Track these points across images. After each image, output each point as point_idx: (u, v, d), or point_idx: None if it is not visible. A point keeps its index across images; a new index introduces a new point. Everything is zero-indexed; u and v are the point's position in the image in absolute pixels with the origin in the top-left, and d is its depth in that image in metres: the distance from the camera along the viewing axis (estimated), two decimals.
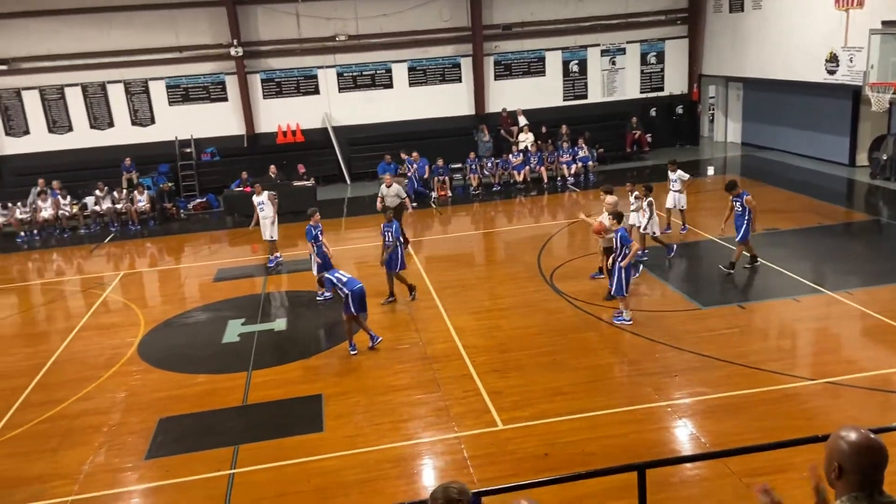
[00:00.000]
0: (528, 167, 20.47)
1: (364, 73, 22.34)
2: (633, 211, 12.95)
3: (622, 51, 23.66)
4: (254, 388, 9.21)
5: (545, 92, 23.31)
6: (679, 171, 14.09)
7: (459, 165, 20.76)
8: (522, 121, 22.13)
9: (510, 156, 20.67)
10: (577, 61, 23.49)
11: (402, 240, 11.84)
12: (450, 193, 19.82)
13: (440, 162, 19.99)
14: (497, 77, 23.11)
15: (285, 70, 21.90)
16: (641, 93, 24.07)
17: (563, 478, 5.46)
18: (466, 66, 22.77)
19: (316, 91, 22.17)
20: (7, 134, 20.54)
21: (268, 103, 21.98)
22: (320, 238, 11.99)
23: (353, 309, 9.69)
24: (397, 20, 21.88)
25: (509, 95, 22.90)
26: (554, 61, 23.33)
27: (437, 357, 9.69)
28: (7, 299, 14.04)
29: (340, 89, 22.30)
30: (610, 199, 11.42)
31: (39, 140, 20.70)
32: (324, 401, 8.65)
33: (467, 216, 18.60)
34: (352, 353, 9.90)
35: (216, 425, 8.36)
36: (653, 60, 23.96)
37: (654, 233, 12.98)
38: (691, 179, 14.59)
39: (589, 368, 9.08)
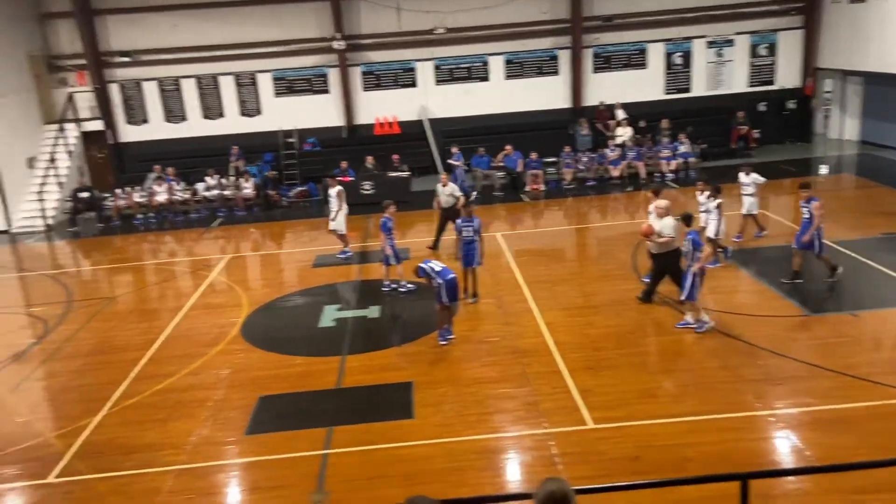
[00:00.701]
0: (624, 162, 19.99)
1: (461, 65, 22.43)
2: (702, 212, 12.40)
3: (730, 42, 22.65)
4: (347, 373, 9.50)
5: (645, 85, 22.65)
6: (754, 175, 13.33)
7: (553, 159, 20.54)
8: (620, 114, 21.63)
9: (607, 150, 20.26)
10: (680, 53, 22.68)
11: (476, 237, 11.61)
12: (542, 187, 19.64)
13: (534, 155, 19.83)
14: (596, 70, 22.66)
15: (384, 63, 22.29)
16: (749, 86, 22.96)
17: (661, 482, 5.34)
18: (564, 58, 22.45)
19: (413, 84, 22.46)
20: (128, 122, 21.94)
21: (367, 95, 22.46)
22: (393, 231, 12.16)
23: (445, 299, 9.80)
24: (496, 13, 21.81)
25: (608, 88, 22.41)
26: (656, 53, 22.63)
27: (526, 352, 9.66)
28: (124, 277, 15.07)
29: (437, 82, 22.50)
30: (661, 202, 10.90)
31: (156, 128, 22.00)
32: (414, 389, 8.81)
33: (560, 211, 18.38)
34: (441, 342, 10.02)
35: (312, 406, 8.68)
36: (763, 52, 22.80)
37: (716, 235, 12.28)
38: (766, 182, 13.68)
39: (685, 371, 8.82)
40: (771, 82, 22.99)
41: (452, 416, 8.07)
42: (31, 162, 20.35)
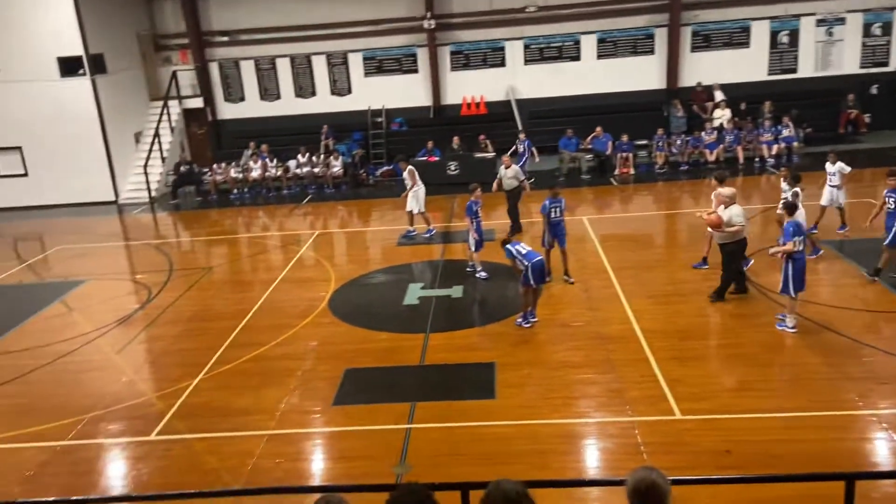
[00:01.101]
0: (722, 146, 19.18)
1: (551, 44, 22.03)
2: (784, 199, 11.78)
3: (841, 20, 21.23)
4: (431, 350, 9.60)
5: (747, 65, 21.57)
6: (840, 163, 12.45)
7: (645, 142, 19.95)
8: (719, 96, 20.73)
9: (703, 133, 19.49)
10: (787, 32, 21.45)
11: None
12: (632, 171, 19.13)
13: (624, 138, 19.32)
14: (694, 49, 21.76)
15: (473, 42, 22.16)
16: (861, 68, 21.49)
17: (758, 478, 5.13)
18: (661, 37, 21.66)
19: (502, 63, 22.25)
20: (226, 100, 22.79)
21: (455, 75, 22.43)
22: (479, 214, 12.04)
23: (532, 281, 9.73)
24: None
25: (706, 68, 21.49)
26: (760, 32, 21.49)
27: (612, 338, 9.48)
28: (220, 249, 15.74)
29: (526, 62, 22.19)
30: (726, 190, 10.41)
31: (252, 106, 22.75)
32: (496, 369, 8.81)
33: (650, 195, 17.87)
34: (525, 325, 9.97)
35: (396, 381, 8.83)
36: (877, 32, 21.27)
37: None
38: (852, 172, 12.78)
39: (781, 366, 8.44)
40: (885, 63, 21.44)
41: (536, 399, 8.03)
42: (137, 137, 21.48)
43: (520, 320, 10.04)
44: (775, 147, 18.87)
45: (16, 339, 10.92)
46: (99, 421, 8.28)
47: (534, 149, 18.06)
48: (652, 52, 21.85)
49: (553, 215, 11.43)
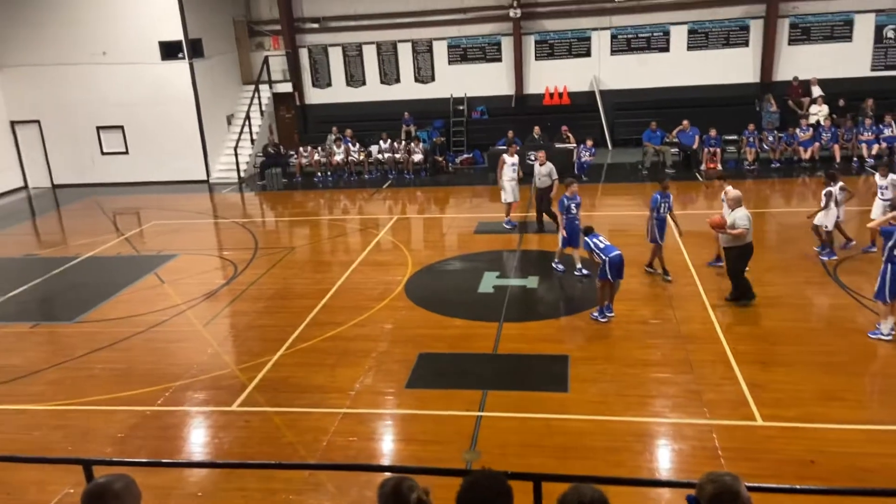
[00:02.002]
0: (817, 143, 18.27)
1: (640, 35, 21.48)
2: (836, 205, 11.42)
3: None
4: (504, 339, 9.60)
5: (849, 60, 20.43)
6: (892, 176, 11.47)
7: (734, 137, 19.24)
8: (816, 91, 19.73)
9: (797, 130, 18.61)
10: (893, 26, 20.17)
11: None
12: (720, 167, 18.47)
13: (713, 132, 18.67)
14: (791, 42, 20.77)
15: (559, 32, 21.86)
16: None
17: (843, 490, 4.90)
18: (756, 28, 20.77)
19: (587, 53, 21.86)
20: (314, 85, 23.35)
21: (538, 65, 22.20)
22: (573, 210, 11.57)
23: (609, 275, 9.58)
24: None
25: (803, 62, 20.49)
26: (864, 25, 20.29)
27: (691, 337, 9.24)
28: (303, 230, 16.19)
29: (612, 52, 21.73)
30: (733, 191, 10.31)
31: (338, 92, 23.22)
32: (570, 362, 8.74)
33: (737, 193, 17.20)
34: (601, 319, 9.83)
35: (468, 368, 8.89)
36: None
37: (827, 227, 11.50)
38: None
39: (874, 376, 8.02)
40: None
41: (610, 395, 7.92)
42: (229, 119, 22.30)
43: (596, 314, 9.91)
44: (875, 147, 17.82)
45: (113, 308, 11.59)
46: (185, 389, 8.71)
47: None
48: (746, 44, 20.99)
49: (661, 210, 11.19)
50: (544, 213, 14.12)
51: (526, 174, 15.54)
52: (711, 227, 10.36)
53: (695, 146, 18.86)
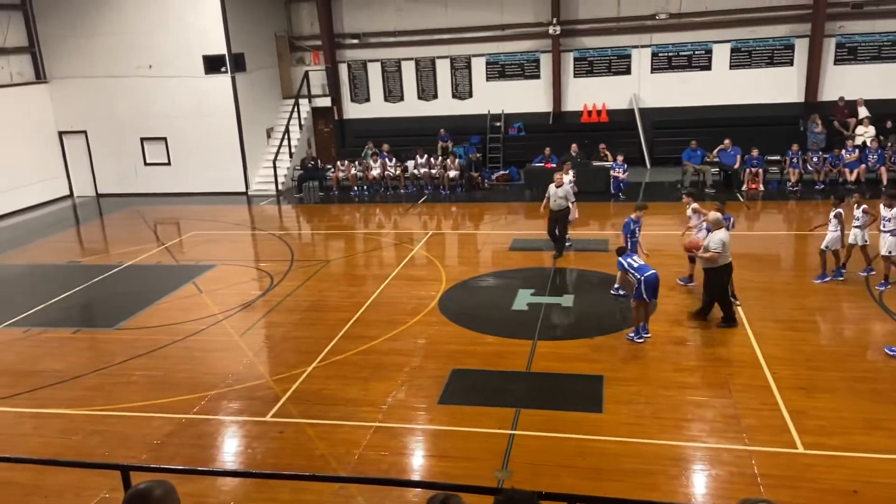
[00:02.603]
0: (863, 165, 17.84)
1: (681, 53, 21.30)
2: (856, 227, 11.26)
3: None
4: (537, 357, 9.51)
5: None
6: None
7: (777, 158, 18.88)
8: (863, 112, 19.30)
9: (843, 151, 18.20)
10: None
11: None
12: (762, 188, 18.15)
13: (754, 152, 18.36)
14: (837, 61, 20.38)
15: (598, 49, 21.81)
16: None
17: None
18: (801, 47, 20.44)
19: (627, 71, 21.75)
20: (352, 100, 23.63)
21: (577, 82, 22.15)
22: (637, 234, 11.51)
23: (644, 295, 9.45)
24: None
25: (849, 83, 20.08)
26: None
27: (730, 361, 9.04)
28: (338, 243, 16.32)
29: (653, 70, 21.59)
30: (712, 214, 10.34)
31: (376, 107, 23.46)
32: (604, 383, 8.62)
33: (779, 214, 16.90)
34: (637, 340, 9.68)
35: (501, 385, 8.82)
36: None
37: (827, 247, 11.42)
38: None
39: None
40: None
41: (645, 417, 7.78)
42: (268, 132, 22.68)
43: (631, 335, 9.76)
44: None
45: (152, 316, 11.80)
46: (221, 398, 8.80)
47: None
48: (791, 63, 20.67)
49: (636, 234, 11.20)
50: (556, 234, 13.56)
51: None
52: (686, 250, 10.71)
53: (736, 166, 18.57)
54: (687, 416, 7.82)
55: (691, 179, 18.74)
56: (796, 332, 9.78)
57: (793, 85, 20.73)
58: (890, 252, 10.99)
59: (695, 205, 11.85)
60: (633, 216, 11.66)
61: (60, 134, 21.88)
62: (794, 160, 18.23)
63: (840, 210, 11.39)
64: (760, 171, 18.30)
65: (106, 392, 9.11)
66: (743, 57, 20.95)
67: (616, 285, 11.53)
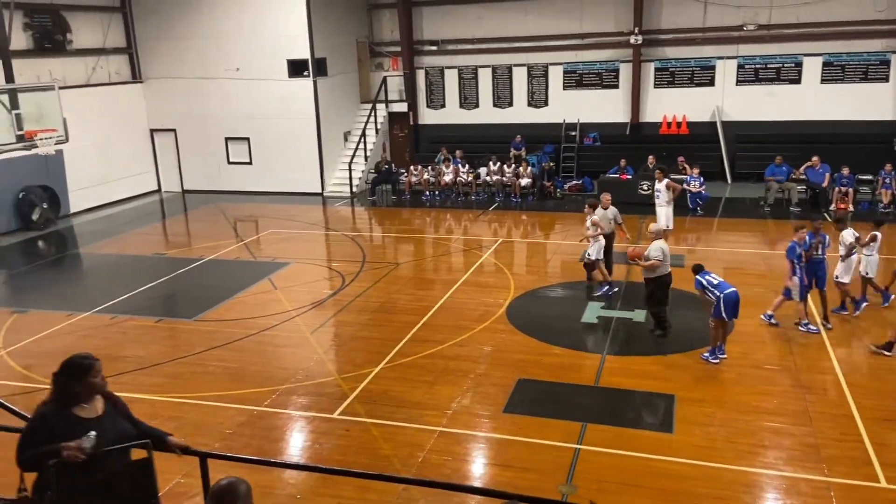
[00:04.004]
0: None
1: (769, 65, 20.56)
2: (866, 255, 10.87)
3: None
4: (606, 372, 9.35)
5: None
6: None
7: (868, 177, 17.98)
8: None
9: None
10: None
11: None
12: (851, 208, 17.31)
13: (845, 171, 17.54)
14: None
15: (681, 59, 21.30)
16: None
17: None
18: None
19: (710, 83, 21.15)
20: (428, 106, 23.86)
21: (657, 93, 21.70)
22: (804, 259, 10.27)
23: (724, 314, 9.15)
24: (818, 9, 19.62)
25: None
26: None
27: (812, 388, 8.65)
28: (408, 247, 16.49)
29: (738, 82, 20.93)
30: (653, 226, 10.84)
31: (451, 113, 23.61)
32: (676, 402, 8.39)
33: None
34: (712, 360, 9.38)
35: (568, 398, 8.71)
36: None
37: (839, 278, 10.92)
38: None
39: None
40: None
41: (719, 440, 7.52)
42: (345, 136, 23.15)
43: (707, 354, 9.47)
44: None
45: (229, 309, 12.22)
46: (291, 393, 9.01)
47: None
48: (886, 79, 19.69)
49: (816, 252, 10.57)
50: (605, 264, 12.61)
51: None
52: (629, 258, 10.89)
53: (824, 184, 17.78)
54: (763, 441, 7.52)
55: (775, 196, 18.05)
56: (882, 361, 9.29)
57: (888, 102, 19.70)
58: (865, 272, 11.10)
59: (594, 217, 12.21)
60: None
61: (152, 131, 22.95)
62: (887, 180, 17.32)
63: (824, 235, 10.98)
64: (850, 190, 17.47)
65: (184, 380, 9.48)
66: (835, 71, 20.06)
67: (804, 319, 10.45)
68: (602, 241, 12.29)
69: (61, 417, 4.02)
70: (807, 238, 10.55)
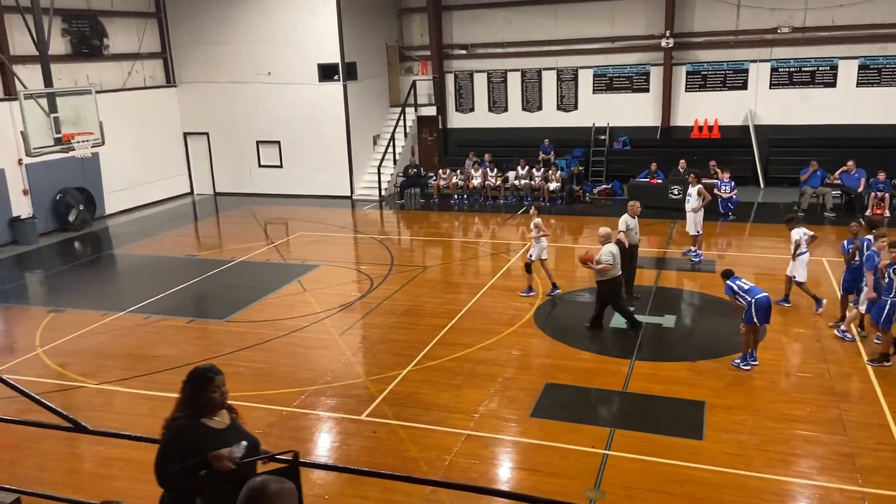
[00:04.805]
0: None
1: (803, 69, 20.23)
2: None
3: None
4: (635, 378, 9.27)
5: None
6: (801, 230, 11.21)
7: None
8: None
9: None
10: None
11: None
12: (888, 213, 16.93)
13: (881, 176, 17.16)
14: None
15: (713, 63, 21.05)
16: None
17: None
18: None
19: (743, 86, 20.87)
20: (457, 110, 23.91)
21: (688, 96, 21.47)
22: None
23: (755, 319, 9.02)
24: (854, 12, 19.26)
25: None
26: None
27: (846, 396, 8.48)
28: (436, 250, 16.53)
29: (771, 85, 20.62)
30: (602, 229, 11.05)
31: (480, 117, 23.62)
32: (706, 409, 8.29)
33: None
34: (743, 367, 9.25)
35: (596, 403, 8.66)
36: None
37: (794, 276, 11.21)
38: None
39: None
40: None
41: (749, 449, 7.41)
42: (375, 139, 23.30)
43: (738, 361, 9.34)
44: None
45: (259, 310, 12.37)
46: (319, 394, 9.09)
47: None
48: None
49: (854, 260, 10.37)
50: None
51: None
52: (580, 262, 11.01)
53: (860, 189, 17.43)
54: (795, 450, 7.39)
55: (809, 202, 17.75)
56: None
57: None
58: (791, 273, 11.33)
59: (537, 220, 12.44)
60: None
61: (185, 135, 23.34)
62: None
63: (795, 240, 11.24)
64: (887, 195, 17.09)
65: None
66: (872, 74, 19.66)
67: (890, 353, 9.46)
68: (544, 242, 12.59)
69: (197, 430, 4.02)
70: (844, 244, 10.37)
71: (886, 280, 9.03)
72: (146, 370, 10.00)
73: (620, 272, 10.76)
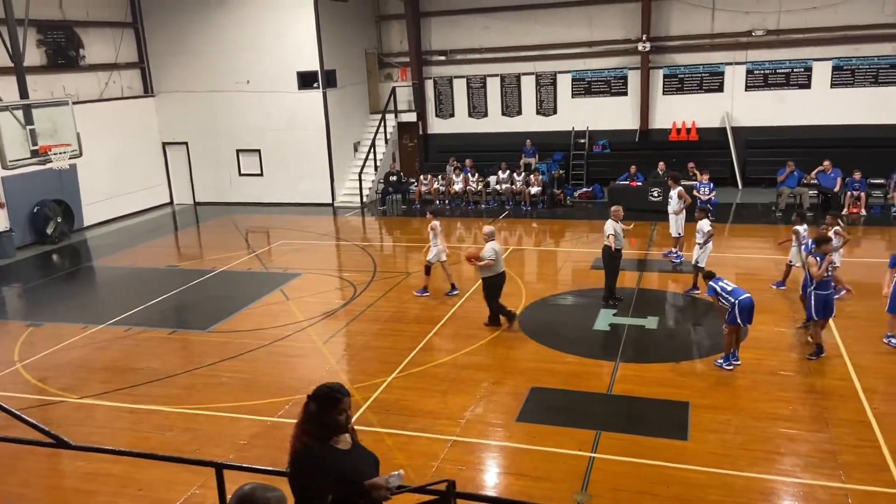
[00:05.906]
0: None
1: (778, 70, 20.52)
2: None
3: None
4: (619, 380, 9.32)
5: None
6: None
7: (881, 181, 17.88)
8: None
9: None
10: None
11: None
12: (864, 212, 17.21)
13: (856, 175, 17.45)
14: None
15: (690, 66, 21.29)
16: None
17: None
18: None
19: (719, 89, 21.13)
20: (437, 116, 23.96)
21: (666, 99, 21.69)
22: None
23: (739, 320, 9.11)
24: (827, 14, 19.59)
25: None
26: None
27: (827, 393, 8.59)
28: (419, 256, 16.45)
29: (747, 87, 20.89)
30: (486, 227, 11.59)
31: (460, 122, 23.68)
32: (690, 409, 8.35)
33: (882, 240, 15.95)
34: (726, 367, 9.34)
35: (582, 406, 8.69)
36: None
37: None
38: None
39: None
40: None
41: (734, 448, 7.48)
42: (355, 146, 23.26)
43: (720, 361, 9.43)
44: None
45: (242, 320, 12.28)
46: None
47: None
48: None
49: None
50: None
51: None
52: (466, 259, 11.48)
53: (836, 189, 17.70)
54: (779, 448, 7.47)
55: (787, 202, 17.98)
56: None
57: None
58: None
59: (435, 222, 13.02)
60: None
61: (164, 145, 23.15)
62: None
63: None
64: (862, 194, 17.37)
65: (198, 391, 9.53)
66: (845, 76, 20.00)
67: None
68: (441, 245, 12.98)
69: (334, 456, 3.68)
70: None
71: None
72: (127, 383, 9.88)
73: (503, 269, 11.24)
